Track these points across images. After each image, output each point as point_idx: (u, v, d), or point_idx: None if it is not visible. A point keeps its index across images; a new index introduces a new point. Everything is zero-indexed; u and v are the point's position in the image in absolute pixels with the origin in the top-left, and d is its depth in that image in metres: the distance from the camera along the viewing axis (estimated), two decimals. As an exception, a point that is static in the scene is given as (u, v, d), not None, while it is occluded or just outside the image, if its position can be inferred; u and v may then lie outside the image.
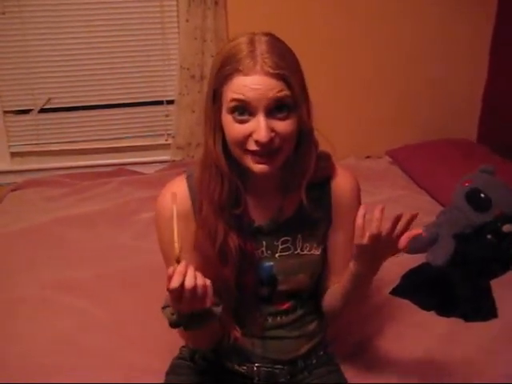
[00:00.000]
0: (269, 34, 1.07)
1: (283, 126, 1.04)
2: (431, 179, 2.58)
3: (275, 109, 1.03)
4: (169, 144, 2.98)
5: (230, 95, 1.03)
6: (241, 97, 1.01)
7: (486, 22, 2.94)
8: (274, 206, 1.19)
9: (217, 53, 1.13)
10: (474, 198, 2.03)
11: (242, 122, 1.03)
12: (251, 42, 1.04)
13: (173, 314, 1.03)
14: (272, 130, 1.02)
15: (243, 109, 1.02)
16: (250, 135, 1.03)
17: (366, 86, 3.01)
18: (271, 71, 1.01)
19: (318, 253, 1.23)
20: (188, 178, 1.19)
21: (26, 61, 2.81)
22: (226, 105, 1.04)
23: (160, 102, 3.00)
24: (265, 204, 1.19)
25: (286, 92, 1.02)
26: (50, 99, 2.90)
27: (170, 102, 2.96)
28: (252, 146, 1.04)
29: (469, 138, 3.05)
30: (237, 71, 1.02)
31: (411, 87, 3.04)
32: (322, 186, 1.20)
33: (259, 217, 1.19)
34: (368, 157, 3.05)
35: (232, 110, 1.03)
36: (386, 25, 2.90)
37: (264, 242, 1.20)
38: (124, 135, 3.06)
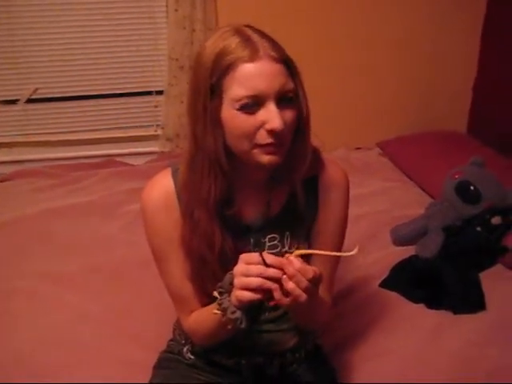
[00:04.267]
0: (250, 25, 1.04)
1: (289, 114, 1.01)
2: (421, 171, 2.58)
3: (282, 98, 0.99)
4: (158, 135, 2.97)
5: (236, 91, 0.97)
6: (251, 92, 0.97)
7: (477, 14, 2.93)
8: (261, 202, 1.16)
9: (200, 50, 1.05)
10: (464, 191, 2.03)
11: (250, 112, 0.99)
12: (239, 32, 1.00)
13: (234, 313, 0.98)
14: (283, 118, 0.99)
15: (253, 103, 0.98)
16: (260, 127, 0.99)
17: (356, 78, 2.99)
18: (276, 56, 0.98)
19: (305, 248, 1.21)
20: (173, 174, 1.15)
21: (13, 50, 2.78)
22: (233, 101, 0.98)
23: (149, 93, 2.98)
24: (252, 200, 1.16)
25: (290, 79, 1.00)
26: (36, 89, 2.86)
27: (159, 93, 2.94)
28: (264, 139, 0.99)
29: (459, 130, 3.05)
30: (239, 59, 0.97)
31: (402, 79, 3.03)
32: (309, 181, 1.17)
33: (247, 213, 1.16)
34: (358, 148, 3.05)
35: (241, 107, 0.98)
36: (377, 16, 2.89)
37: (252, 240, 1.17)
38: (113, 126, 3.04)
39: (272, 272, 0.93)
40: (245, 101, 0.97)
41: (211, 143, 1.03)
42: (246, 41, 0.98)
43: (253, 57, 0.97)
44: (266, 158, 1.02)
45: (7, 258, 2.00)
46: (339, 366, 1.45)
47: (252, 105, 0.98)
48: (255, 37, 0.99)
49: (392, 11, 2.89)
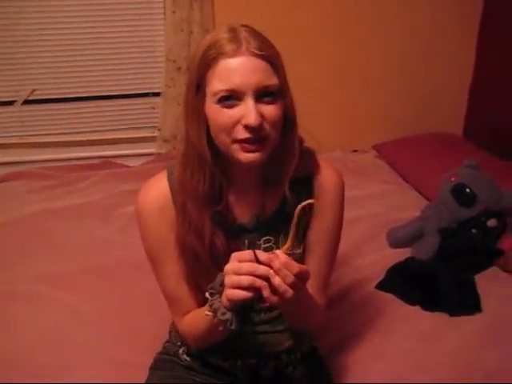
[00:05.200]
0: (248, 25, 1.05)
1: (271, 110, 1.01)
2: (417, 174, 2.58)
3: (262, 93, 1.00)
4: (155, 136, 2.96)
5: (215, 85, 0.99)
6: (228, 86, 0.98)
7: (473, 16, 2.94)
8: (256, 203, 1.16)
9: (196, 47, 1.08)
10: (459, 193, 2.04)
11: (229, 106, 1.00)
12: (231, 30, 1.02)
13: (224, 314, 0.97)
14: (260, 114, 0.99)
15: (231, 97, 0.99)
16: (238, 122, 1.00)
17: (353, 80, 3.00)
18: (257, 52, 0.99)
19: (300, 250, 1.20)
20: (169, 177, 1.15)
21: (10, 51, 2.78)
22: (212, 95, 1.00)
23: (146, 95, 2.98)
24: (246, 201, 1.16)
25: (273, 75, 1.00)
26: (33, 90, 2.86)
27: (156, 95, 2.94)
28: (241, 134, 1.00)
29: (455, 133, 3.06)
30: (221, 54, 0.99)
31: (398, 82, 3.04)
32: (304, 182, 1.17)
33: (241, 214, 1.16)
34: (355, 151, 3.05)
35: (219, 100, 1.00)
36: (374, 20, 2.90)
37: (246, 241, 1.16)
38: (109, 127, 3.04)
39: (263, 269, 0.92)
40: (222, 94, 0.99)
41: (195, 137, 1.05)
42: (233, 37, 1.00)
43: (234, 52, 0.99)
44: (243, 156, 1.02)
45: (4, 260, 2.00)
46: (335, 367, 1.45)
47: (229, 99, 0.99)
48: (244, 34, 1.01)
49: (391, 15, 2.89)
